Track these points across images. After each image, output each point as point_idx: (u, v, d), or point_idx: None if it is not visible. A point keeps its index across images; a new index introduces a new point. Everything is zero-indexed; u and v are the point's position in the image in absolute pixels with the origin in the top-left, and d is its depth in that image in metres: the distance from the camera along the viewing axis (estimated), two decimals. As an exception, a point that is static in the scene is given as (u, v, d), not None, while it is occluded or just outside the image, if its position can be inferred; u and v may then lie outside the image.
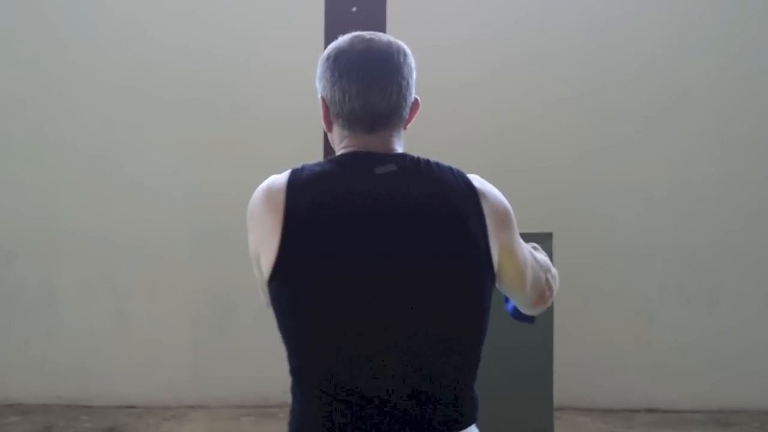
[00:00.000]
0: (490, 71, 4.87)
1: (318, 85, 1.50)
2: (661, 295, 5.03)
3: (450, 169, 1.46)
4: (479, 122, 4.90)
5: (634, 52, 5.00)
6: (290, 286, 1.41)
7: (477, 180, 1.47)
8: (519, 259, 1.48)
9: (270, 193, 1.47)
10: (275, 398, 4.85)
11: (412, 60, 1.49)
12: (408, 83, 1.47)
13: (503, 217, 1.46)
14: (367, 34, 1.50)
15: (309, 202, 1.40)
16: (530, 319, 1.71)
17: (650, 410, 4.93)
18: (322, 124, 1.52)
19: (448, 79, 4.80)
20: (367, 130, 1.46)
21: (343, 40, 1.49)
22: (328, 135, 1.54)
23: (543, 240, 3.13)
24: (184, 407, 4.88)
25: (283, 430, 5.04)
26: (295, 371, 1.47)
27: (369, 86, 1.44)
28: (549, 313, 3.40)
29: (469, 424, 1.42)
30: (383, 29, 2.88)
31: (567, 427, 4.52)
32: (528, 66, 4.92)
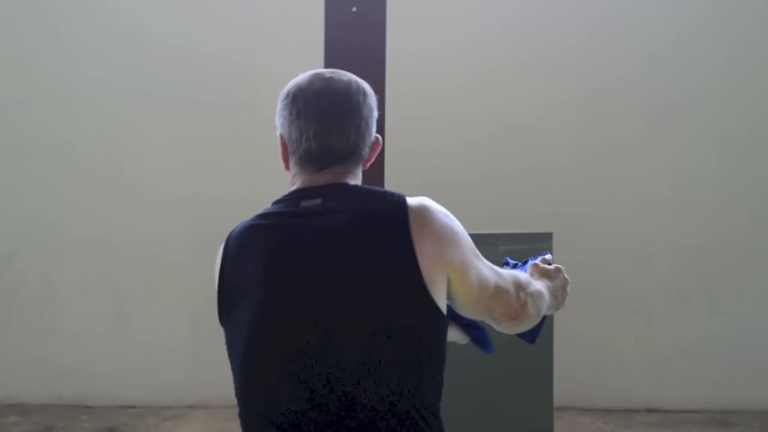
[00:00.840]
0: (490, 71, 4.87)
1: (277, 122, 1.49)
2: (661, 295, 5.03)
3: (383, 193, 1.42)
4: (479, 122, 4.90)
5: (634, 52, 5.00)
6: (229, 331, 1.52)
7: (417, 201, 1.41)
8: (469, 276, 1.41)
9: (220, 251, 1.57)
10: (275, 398, 4.85)
11: (372, 100, 1.48)
12: (367, 123, 1.46)
13: (445, 236, 1.39)
14: (327, 72, 1.48)
15: (235, 251, 1.49)
16: (530, 338, 1.69)
17: (650, 410, 4.93)
18: (281, 162, 1.50)
19: (449, 79, 4.80)
20: (318, 168, 1.44)
21: (302, 77, 1.47)
22: (288, 173, 1.52)
23: (543, 240, 3.14)
24: (184, 407, 4.88)
25: (283, 430, 4.93)
26: (240, 415, 1.47)
27: (327, 127, 1.42)
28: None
29: None
30: (383, 29, 2.88)
31: (567, 427, 4.52)
32: (528, 66, 4.92)
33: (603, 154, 5.00)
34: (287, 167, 1.50)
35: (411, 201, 1.40)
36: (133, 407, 4.87)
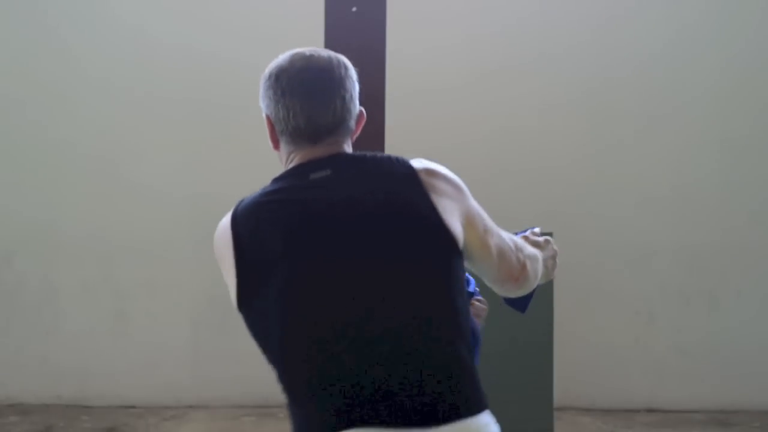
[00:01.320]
0: (490, 71, 4.87)
1: (261, 104, 1.51)
2: (661, 295, 5.03)
3: (388, 158, 1.47)
4: (479, 122, 4.90)
5: (634, 53, 5.00)
6: (256, 313, 1.46)
7: (419, 162, 1.47)
8: (479, 226, 1.48)
9: (221, 231, 1.52)
10: (275, 398, 4.82)
11: (353, 73, 1.50)
12: (351, 96, 1.48)
13: (452, 189, 1.46)
14: (306, 50, 1.50)
15: (250, 228, 1.44)
16: (521, 306, 1.74)
17: (650, 410, 4.93)
18: (269, 144, 1.52)
19: (449, 79, 4.80)
20: (312, 142, 1.46)
21: (282, 58, 1.50)
22: (277, 153, 1.54)
23: (543, 240, 3.14)
24: (184, 407, 4.88)
25: (283, 429, 5.04)
26: (288, 390, 1.45)
27: (312, 103, 1.45)
28: (549, 313, 3.41)
29: (477, 412, 1.37)
30: (383, 29, 2.88)
31: (567, 427, 4.52)
32: (528, 66, 4.92)
33: (603, 154, 5.00)
34: (276, 147, 1.52)
35: (414, 163, 1.47)
36: (133, 407, 4.87)
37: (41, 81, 4.96)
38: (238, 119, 4.92)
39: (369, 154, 1.48)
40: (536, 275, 1.62)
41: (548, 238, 1.76)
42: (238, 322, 4.99)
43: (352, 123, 1.50)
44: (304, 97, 1.45)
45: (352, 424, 1.33)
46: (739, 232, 5.00)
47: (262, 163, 5.04)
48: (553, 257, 1.75)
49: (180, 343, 4.97)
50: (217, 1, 5.01)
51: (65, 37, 4.97)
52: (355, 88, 1.50)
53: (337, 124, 1.47)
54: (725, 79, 5.00)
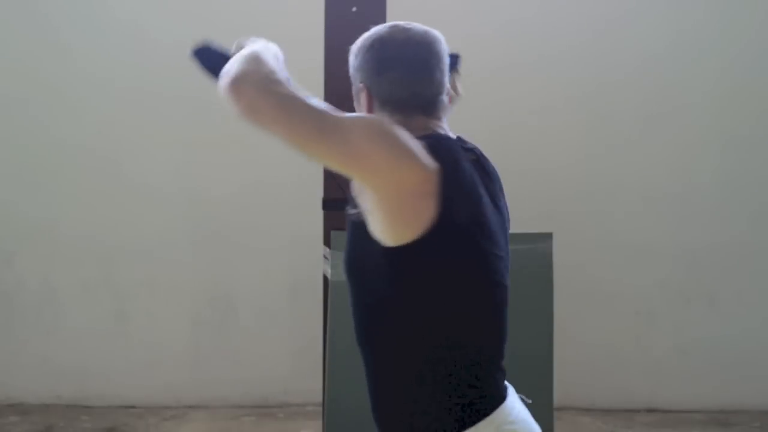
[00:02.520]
0: (490, 72, 4.87)
1: (357, 74, 1.51)
2: (661, 295, 5.02)
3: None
4: (479, 122, 4.87)
5: (635, 53, 4.99)
6: (446, 252, 1.34)
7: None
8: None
9: (428, 153, 1.34)
10: (275, 398, 4.85)
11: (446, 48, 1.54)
12: (446, 71, 1.51)
13: None
14: (403, 23, 1.52)
15: (453, 165, 1.37)
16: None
17: (650, 410, 4.93)
18: (363, 112, 1.50)
19: (448, 79, 4.79)
20: (427, 113, 1.49)
21: (381, 29, 1.52)
22: None
23: (543, 240, 3.14)
24: (184, 407, 4.88)
25: (283, 430, 5.02)
26: (452, 346, 1.38)
27: (416, 76, 1.47)
28: (549, 312, 3.40)
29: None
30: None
31: (567, 427, 4.52)
32: (528, 66, 4.91)
33: (603, 154, 5.00)
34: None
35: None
36: (133, 407, 4.87)
37: (41, 80, 4.96)
38: (239, 120, 4.91)
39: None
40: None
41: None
42: (238, 322, 5.03)
43: (447, 98, 1.53)
44: (408, 70, 1.46)
45: (506, 392, 1.46)
46: (739, 232, 5.00)
47: (263, 164, 5.07)
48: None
49: (180, 343, 4.97)
50: (218, 1, 5.01)
51: (65, 37, 4.96)
52: (447, 62, 1.52)
53: (437, 98, 1.50)
54: (726, 79, 5.00)
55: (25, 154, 4.99)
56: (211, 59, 1.66)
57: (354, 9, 2.95)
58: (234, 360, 4.94)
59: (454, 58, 1.68)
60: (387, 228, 1.33)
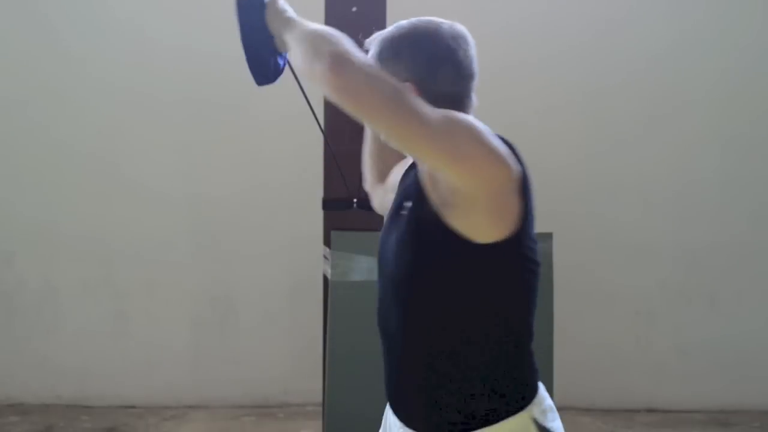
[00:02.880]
0: (490, 72, 4.82)
1: (399, 68, 1.46)
2: (661, 295, 5.03)
3: None
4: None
5: (635, 54, 4.99)
6: (526, 246, 1.44)
7: None
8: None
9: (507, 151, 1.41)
10: (275, 398, 4.85)
11: None
12: None
13: None
14: (435, 18, 1.58)
15: (524, 163, 1.45)
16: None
17: (650, 410, 4.93)
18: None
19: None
20: (469, 110, 1.57)
21: (420, 23, 1.54)
22: None
23: (543, 240, 3.13)
24: (184, 407, 4.88)
25: (283, 430, 5.01)
26: (520, 336, 1.49)
27: (466, 72, 1.58)
28: (549, 312, 3.41)
29: None
30: (383, 29, 2.88)
31: (567, 427, 4.50)
32: (528, 67, 4.91)
33: (603, 154, 5.00)
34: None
35: None
36: (133, 407, 4.87)
37: (41, 81, 4.96)
38: (239, 120, 4.92)
39: None
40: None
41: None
42: (238, 323, 5.03)
43: None
44: (460, 66, 1.56)
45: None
46: (739, 232, 5.00)
47: (263, 164, 5.07)
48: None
49: (180, 343, 4.97)
50: (217, 2, 5.00)
51: (65, 38, 4.96)
52: None
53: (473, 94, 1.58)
54: (726, 79, 5.00)
55: (26, 154, 4.99)
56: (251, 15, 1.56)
57: (354, 9, 2.95)
58: (234, 360, 4.94)
59: None
60: (481, 225, 1.38)
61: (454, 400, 1.44)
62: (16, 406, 4.88)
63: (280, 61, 1.57)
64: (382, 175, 1.88)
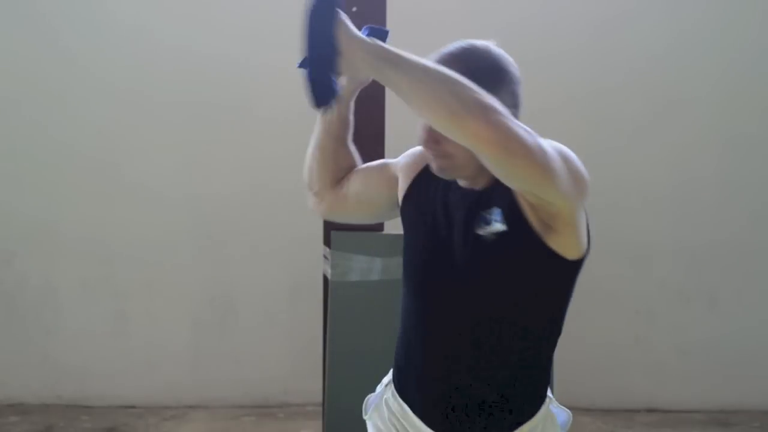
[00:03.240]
0: (490, 71, 4.87)
1: (502, 98, 1.45)
2: (661, 294, 5.03)
3: None
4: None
5: (635, 53, 4.99)
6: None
7: None
8: None
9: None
10: (275, 398, 4.85)
11: None
12: None
13: None
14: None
15: None
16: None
17: (650, 410, 4.93)
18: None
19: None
20: None
21: (476, 42, 1.64)
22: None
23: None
24: (184, 407, 4.88)
25: (283, 430, 5.03)
26: (559, 331, 1.66)
27: (519, 89, 1.72)
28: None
29: None
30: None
31: (567, 427, 4.52)
32: (528, 67, 4.87)
33: (603, 154, 4.99)
34: None
35: None
36: (133, 407, 4.87)
37: (41, 81, 4.96)
38: (239, 121, 4.92)
39: None
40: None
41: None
42: (238, 323, 5.04)
43: None
44: (517, 83, 1.70)
45: None
46: (739, 232, 5.00)
47: (262, 164, 5.06)
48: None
49: (180, 343, 4.98)
50: (217, 3, 5.01)
51: (65, 38, 4.96)
52: None
53: None
54: (726, 79, 5.00)
55: (26, 155, 4.99)
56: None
57: (354, 9, 2.96)
58: (234, 360, 4.94)
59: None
60: (575, 243, 1.61)
61: (522, 398, 1.61)
62: (16, 406, 4.88)
63: (335, 84, 1.34)
64: (335, 179, 1.81)
